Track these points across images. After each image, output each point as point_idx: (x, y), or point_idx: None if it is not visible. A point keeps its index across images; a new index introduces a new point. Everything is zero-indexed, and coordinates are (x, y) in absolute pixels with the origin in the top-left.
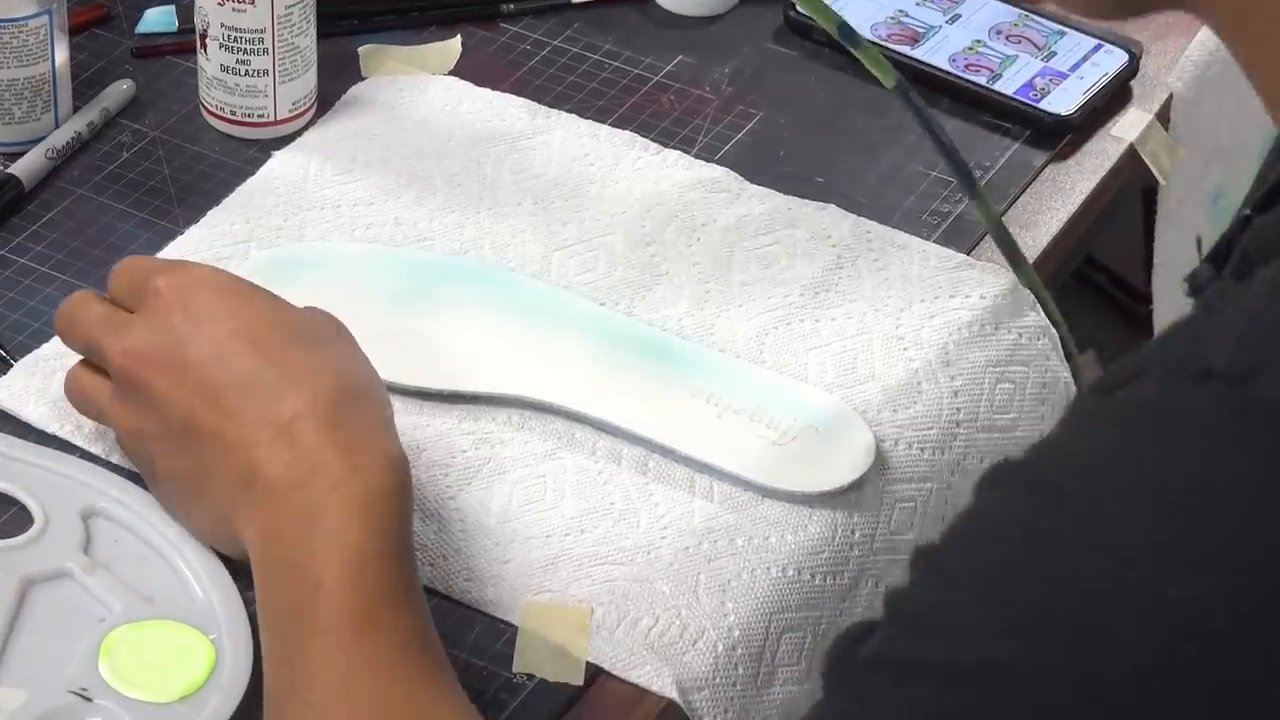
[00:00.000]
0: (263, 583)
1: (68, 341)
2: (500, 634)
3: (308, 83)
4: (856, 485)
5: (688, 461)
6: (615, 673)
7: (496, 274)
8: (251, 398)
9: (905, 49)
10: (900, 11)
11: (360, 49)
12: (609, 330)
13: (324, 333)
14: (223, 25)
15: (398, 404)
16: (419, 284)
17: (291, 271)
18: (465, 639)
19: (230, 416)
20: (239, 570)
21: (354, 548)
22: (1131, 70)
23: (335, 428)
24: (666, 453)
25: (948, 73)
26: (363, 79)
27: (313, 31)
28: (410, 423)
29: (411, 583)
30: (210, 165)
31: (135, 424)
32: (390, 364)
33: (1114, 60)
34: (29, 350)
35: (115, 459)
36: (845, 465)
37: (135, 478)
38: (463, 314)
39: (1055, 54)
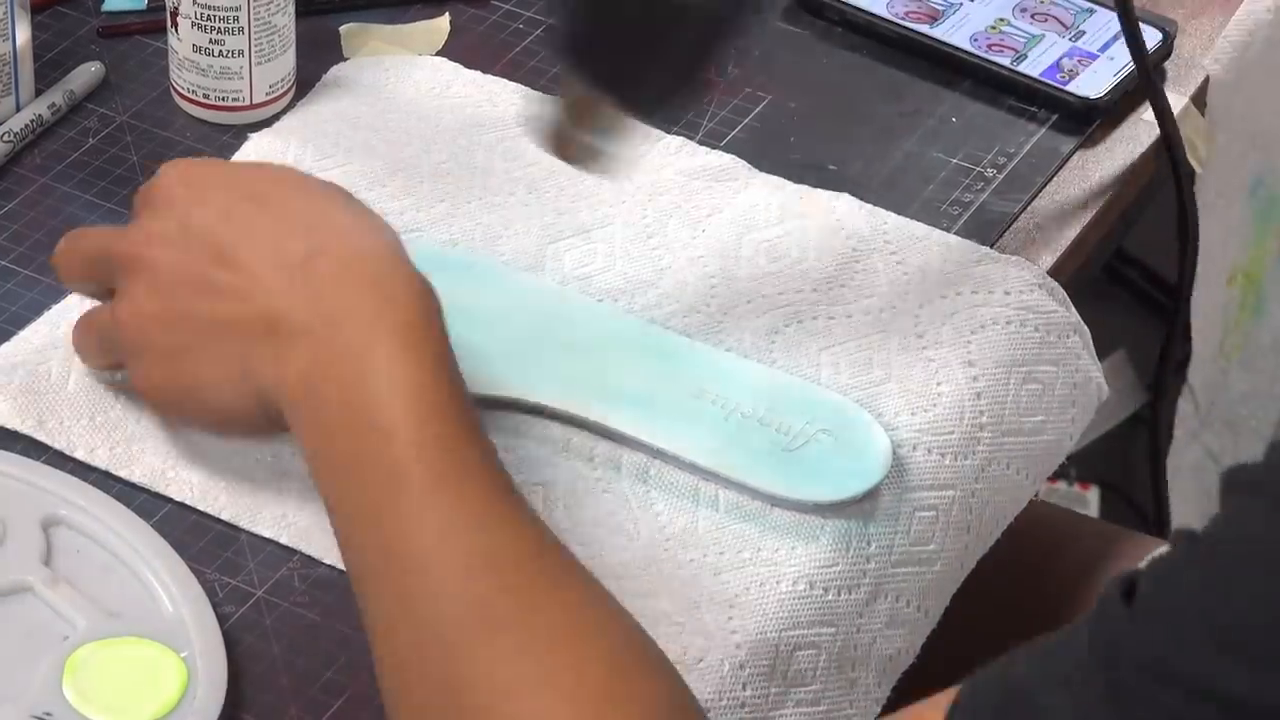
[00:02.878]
0: (312, 434)
1: (71, 272)
2: None
3: (286, 64)
4: (872, 494)
5: (692, 468)
6: None
7: (488, 268)
8: (261, 246)
9: (924, 28)
10: None
11: (342, 28)
12: (608, 328)
13: (329, 188)
14: (195, 2)
15: None
16: None
17: None
18: None
19: (240, 268)
20: (211, 582)
21: (413, 385)
22: (1165, 50)
23: (355, 261)
24: (669, 459)
25: (969, 53)
26: (344, 60)
27: (291, 9)
28: None
29: (475, 414)
30: (182, 152)
31: (137, 307)
32: None
33: (1147, 40)
34: None
35: (79, 454)
36: (859, 473)
37: (100, 483)
38: (451, 310)
39: (1084, 33)
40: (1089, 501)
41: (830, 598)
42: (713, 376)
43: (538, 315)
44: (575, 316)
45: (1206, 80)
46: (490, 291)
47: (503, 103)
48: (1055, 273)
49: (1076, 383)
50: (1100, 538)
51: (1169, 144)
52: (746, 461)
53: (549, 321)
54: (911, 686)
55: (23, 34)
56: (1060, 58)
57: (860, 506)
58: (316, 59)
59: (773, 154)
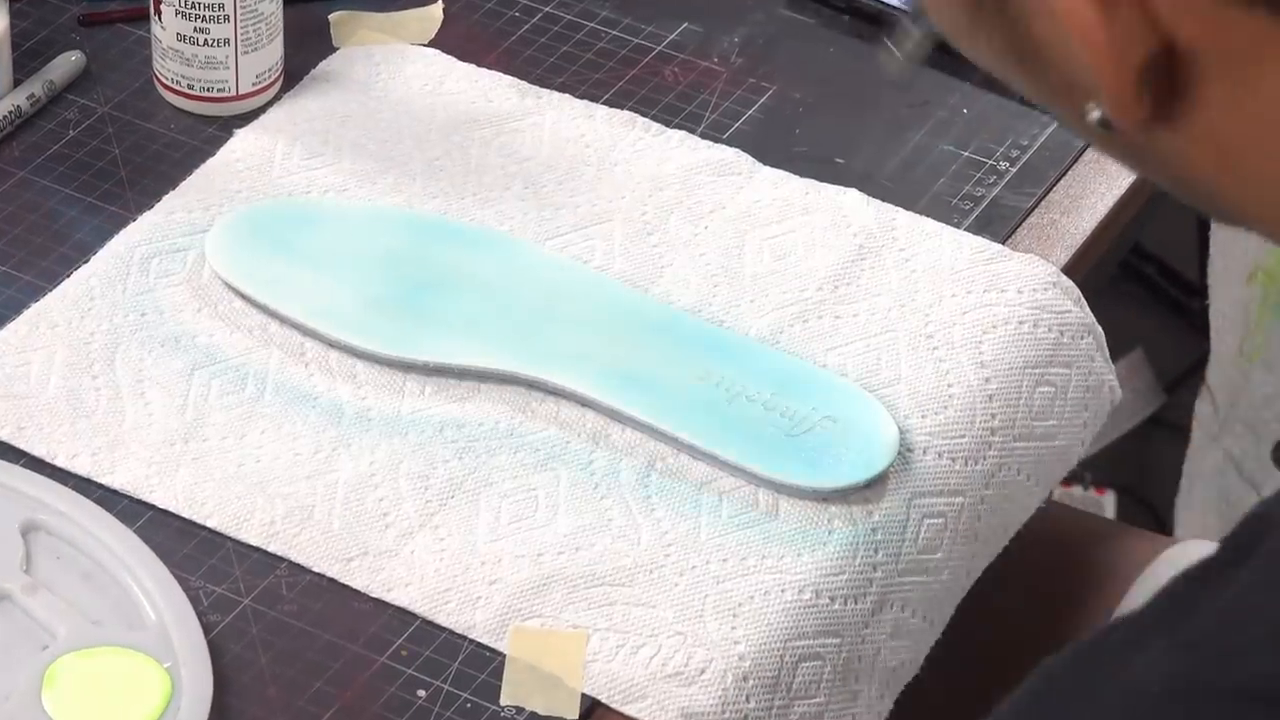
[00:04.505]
0: None
1: None
2: (486, 662)
3: (273, 53)
4: (879, 494)
5: (692, 451)
6: (613, 706)
7: (497, 239)
8: None
9: None
10: None
11: (331, 16)
12: (616, 305)
13: None
14: None
15: (371, 383)
16: (417, 246)
17: (281, 227)
18: (448, 668)
19: None
20: (196, 589)
21: None
22: None
23: None
24: (670, 440)
25: None
26: (334, 50)
27: None
28: (387, 430)
29: None
30: (165, 145)
31: None
32: (375, 332)
33: None
34: None
35: (59, 461)
36: (864, 461)
37: (81, 487)
38: (457, 280)
39: None
40: (1105, 506)
41: (836, 607)
42: (719, 358)
43: (545, 289)
44: (583, 292)
45: None
46: (497, 263)
47: (498, 98)
48: (1070, 270)
49: (1090, 386)
50: (1106, 537)
51: None
52: (749, 446)
53: (555, 296)
54: (912, 699)
55: (0, 22)
56: None
57: (868, 513)
58: (305, 48)
59: (777, 147)
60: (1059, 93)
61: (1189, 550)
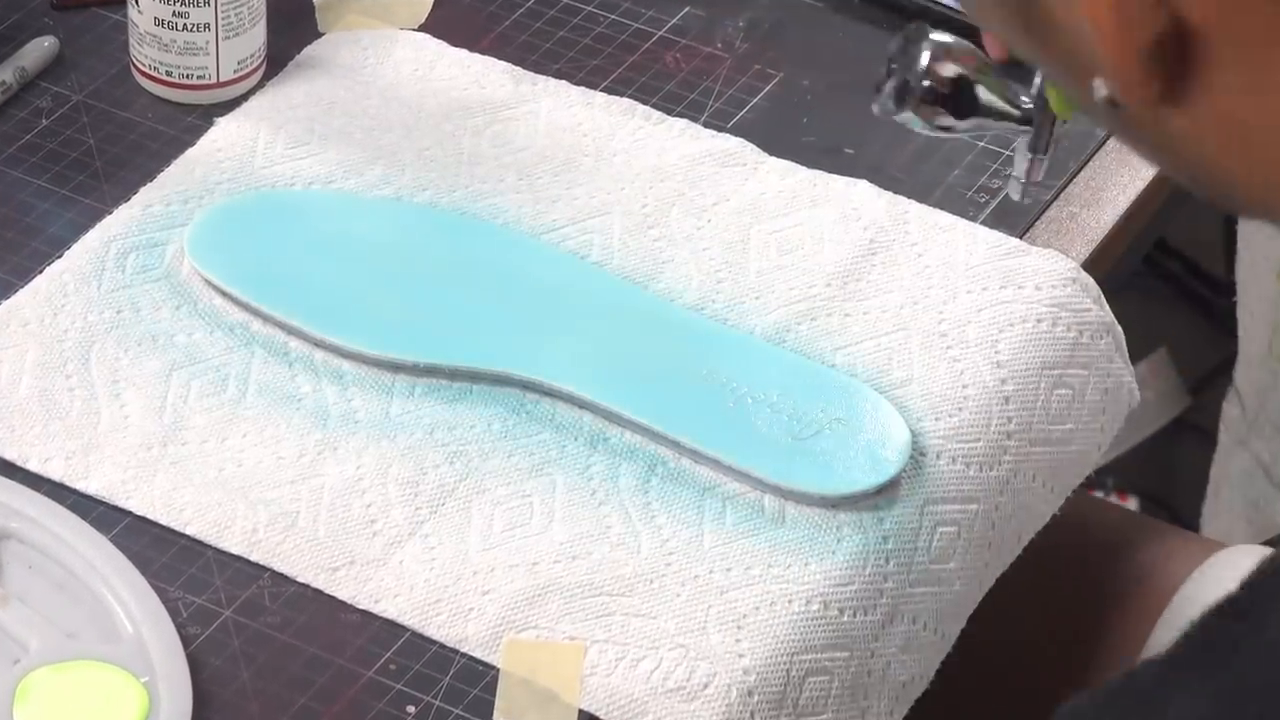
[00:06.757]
0: None
1: None
2: (479, 677)
3: (255, 38)
4: (890, 501)
5: (695, 455)
6: None
7: (494, 234)
8: None
9: (954, 1)
10: None
11: None
12: (616, 302)
13: None
14: None
15: (358, 383)
16: (406, 240)
17: (264, 221)
18: (438, 682)
19: None
20: (175, 600)
21: None
22: None
23: None
24: (671, 444)
25: None
26: (320, 35)
27: None
28: (374, 433)
29: None
30: (142, 134)
31: None
32: (362, 331)
33: None
34: None
35: (32, 465)
36: (874, 465)
37: (54, 493)
38: (448, 275)
39: None
40: None
41: (845, 619)
42: (723, 358)
43: (540, 285)
44: (580, 288)
45: None
46: (490, 259)
47: (491, 84)
48: (1090, 266)
49: (1108, 388)
50: (1121, 531)
51: None
52: (754, 450)
53: (551, 293)
54: (921, 714)
55: None
56: None
57: (878, 520)
58: (289, 33)
59: (784, 137)
60: (1067, 66)
61: (1235, 557)
